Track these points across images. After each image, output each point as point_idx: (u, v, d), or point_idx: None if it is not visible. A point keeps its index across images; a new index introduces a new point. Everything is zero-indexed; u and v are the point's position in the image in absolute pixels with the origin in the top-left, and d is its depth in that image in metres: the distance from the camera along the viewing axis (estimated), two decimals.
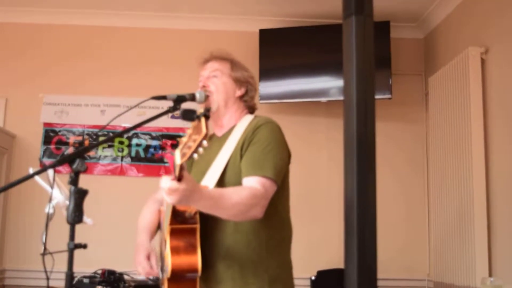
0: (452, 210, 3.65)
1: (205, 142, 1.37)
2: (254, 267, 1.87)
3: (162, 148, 4.39)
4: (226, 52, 2.16)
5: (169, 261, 1.72)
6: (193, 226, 1.77)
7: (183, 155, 1.41)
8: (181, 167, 1.45)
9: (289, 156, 1.99)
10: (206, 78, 2.08)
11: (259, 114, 2.14)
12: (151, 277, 3.64)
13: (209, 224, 1.85)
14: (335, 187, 4.14)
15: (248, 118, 2.05)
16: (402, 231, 4.27)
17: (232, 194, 1.73)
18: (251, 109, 2.14)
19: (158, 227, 2.10)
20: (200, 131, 1.35)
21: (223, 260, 1.87)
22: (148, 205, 2.16)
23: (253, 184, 1.79)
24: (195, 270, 1.74)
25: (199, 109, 1.38)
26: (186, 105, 1.79)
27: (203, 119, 1.37)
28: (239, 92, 2.09)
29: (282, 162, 1.90)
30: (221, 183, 1.89)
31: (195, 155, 1.39)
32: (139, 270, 1.92)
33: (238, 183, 1.85)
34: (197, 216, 1.77)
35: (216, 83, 2.06)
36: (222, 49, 2.17)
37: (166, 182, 1.52)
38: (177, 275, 1.74)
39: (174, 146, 4.39)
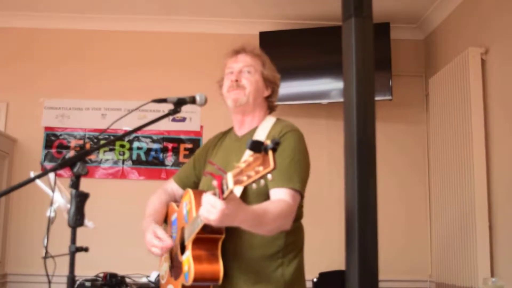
0: (453, 210, 3.64)
1: (269, 176, 1.35)
2: (270, 272, 1.85)
3: (163, 151, 4.39)
4: (258, 48, 2.10)
5: (192, 269, 1.72)
6: (217, 236, 1.77)
7: (237, 181, 1.38)
8: (231, 192, 1.44)
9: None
10: (238, 72, 2.00)
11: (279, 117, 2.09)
12: (152, 280, 3.63)
13: (228, 229, 1.82)
14: (336, 189, 4.14)
15: (270, 120, 2.00)
16: (403, 232, 4.26)
17: (272, 209, 1.71)
18: (271, 110, 2.09)
19: (165, 221, 2.08)
20: (268, 165, 1.32)
21: (239, 267, 1.84)
22: (159, 195, 2.13)
23: (283, 196, 1.77)
24: (216, 279, 1.75)
25: (267, 142, 1.37)
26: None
27: (270, 153, 1.33)
28: (266, 93, 2.03)
29: (307, 173, 1.89)
30: (244, 190, 1.83)
31: (254, 185, 1.37)
32: (154, 251, 1.88)
33: (260, 190, 1.78)
34: (224, 227, 1.76)
35: (250, 79, 1.98)
36: (255, 44, 2.10)
37: (211, 198, 1.49)
38: (197, 282, 1.74)
39: (175, 149, 4.39)
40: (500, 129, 3.31)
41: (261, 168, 1.33)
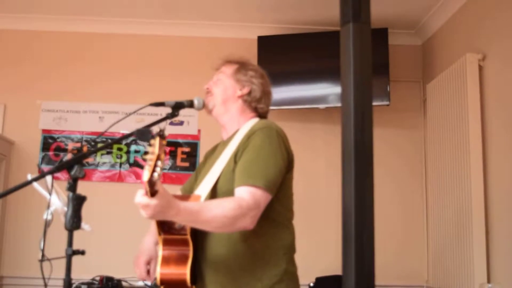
0: (450, 215, 3.65)
1: (159, 163, 1.37)
2: (246, 276, 1.81)
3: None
4: (239, 56, 2.15)
5: (158, 271, 1.73)
6: (184, 237, 1.74)
7: (147, 171, 1.40)
8: (152, 183, 1.43)
9: (289, 161, 1.91)
10: (212, 81, 2.10)
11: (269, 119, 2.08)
12: (148, 284, 3.63)
13: (201, 232, 1.81)
14: (333, 193, 4.13)
15: (252, 122, 1.98)
16: (400, 237, 4.26)
17: (214, 206, 1.69)
18: (260, 114, 2.08)
19: None
20: (153, 152, 1.36)
21: (214, 268, 1.83)
22: None
23: (242, 194, 1.73)
24: (183, 282, 1.72)
25: (157, 130, 1.39)
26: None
27: (157, 140, 1.36)
28: (239, 92, 2.04)
29: (276, 169, 1.82)
30: (214, 191, 1.86)
31: (155, 175, 1.39)
32: (137, 273, 1.94)
33: (230, 190, 1.79)
34: (188, 227, 1.74)
35: (217, 84, 2.07)
36: (237, 54, 2.15)
37: (139, 197, 1.49)
38: (166, 285, 1.74)
39: (172, 152, 4.39)
40: (497, 134, 3.32)
41: (152, 156, 1.38)
